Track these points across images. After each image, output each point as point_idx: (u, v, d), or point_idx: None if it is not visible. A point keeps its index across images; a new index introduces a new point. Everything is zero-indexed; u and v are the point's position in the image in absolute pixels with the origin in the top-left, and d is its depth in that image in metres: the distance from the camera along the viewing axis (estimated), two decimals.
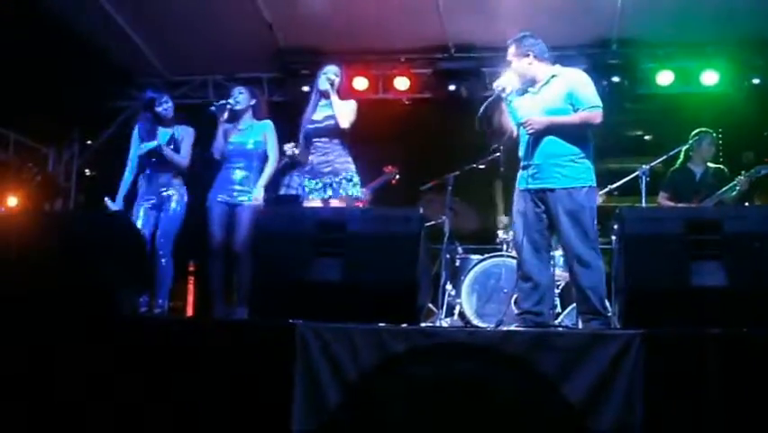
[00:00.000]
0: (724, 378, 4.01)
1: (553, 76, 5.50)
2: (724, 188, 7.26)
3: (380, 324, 4.44)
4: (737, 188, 7.20)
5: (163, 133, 6.74)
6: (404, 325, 4.52)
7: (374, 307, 4.59)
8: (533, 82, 5.54)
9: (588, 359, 4.09)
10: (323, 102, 6.32)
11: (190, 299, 8.99)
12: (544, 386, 4.08)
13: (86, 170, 9.94)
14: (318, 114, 6.31)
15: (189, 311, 8.83)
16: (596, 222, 5.35)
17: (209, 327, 4.65)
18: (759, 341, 4.06)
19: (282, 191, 7.20)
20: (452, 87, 9.05)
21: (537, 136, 5.37)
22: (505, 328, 4.95)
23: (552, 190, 5.31)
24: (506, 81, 5.53)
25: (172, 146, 6.69)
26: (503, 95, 5.53)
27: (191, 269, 8.89)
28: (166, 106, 6.78)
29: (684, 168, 7.62)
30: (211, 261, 6.49)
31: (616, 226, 4.95)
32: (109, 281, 4.75)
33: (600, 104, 5.36)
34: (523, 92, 5.59)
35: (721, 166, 7.63)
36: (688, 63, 8.75)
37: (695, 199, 7.34)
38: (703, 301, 4.36)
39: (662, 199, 7.61)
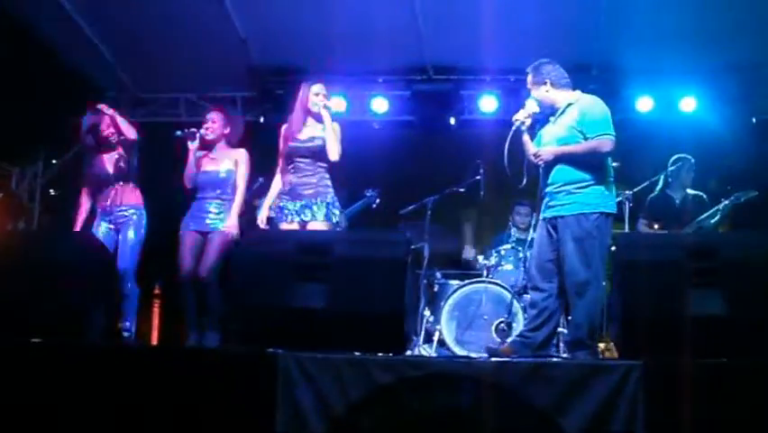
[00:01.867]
0: (725, 408, 3.94)
1: (569, 104, 5.46)
2: (705, 215, 7.23)
3: (366, 353, 4.30)
4: (719, 214, 7.15)
5: (110, 156, 6.55)
6: (390, 354, 4.38)
7: (359, 335, 4.44)
8: (553, 110, 5.49)
9: (585, 391, 4.01)
10: (308, 121, 6.11)
11: (155, 322, 8.79)
12: (540, 418, 3.96)
13: (51, 190, 9.66)
14: (303, 133, 6.05)
15: (155, 335, 8.64)
16: (605, 250, 5.27)
17: (189, 355, 4.44)
18: (759, 370, 3.99)
19: (259, 212, 6.97)
20: (430, 110, 8.95)
21: (549, 166, 5.36)
22: (497, 359, 4.78)
23: (562, 217, 5.29)
24: (523, 114, 5.47)
25: (122, 164, 6.49)
26: (522, 128, 5.47)
27: (156, 292, 8.67)
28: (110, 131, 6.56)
29: (663, 194, 7.57)
30: (182, 289, 6.27)
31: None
32: (78, 304, 4.54)
33: (610, 131, 5.33)
34: (546, 121, 5.53)
35: (700, 192, 7.58)
36: (667, 89, 8.72)
37: (675, 226, 7.25)
38: (701, 330, 4.24)
39: (642, 226, 7.53)
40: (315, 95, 6.08)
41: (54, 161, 9.53)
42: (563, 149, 5.33)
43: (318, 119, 6.06)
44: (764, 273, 4.29)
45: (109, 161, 6.53)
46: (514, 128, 5.47)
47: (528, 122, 5.50)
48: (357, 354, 4.30)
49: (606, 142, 5.29)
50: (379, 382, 4.08)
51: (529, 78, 5.56)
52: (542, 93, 5.51)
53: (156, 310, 8.77)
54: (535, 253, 5.45)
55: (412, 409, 4.04)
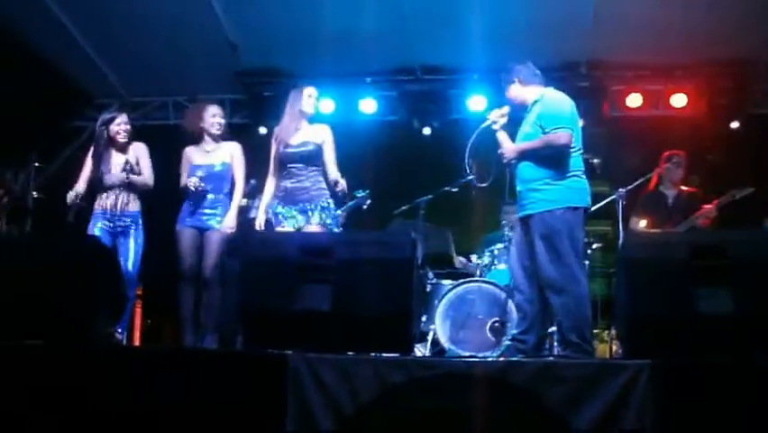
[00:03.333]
0: (734, 407, 3.91)
1: (535, 101, 5.48)
2: (698, 213, 7.21)
3: (373, 354, 4.27)
4: (713, 211, 7.16)
5: (118, 158, 6.45)
6: (397, 354, 4.35)
7: (366, 336, 4.41)
8: (525, 108, 5.53)
9: (596, 390, 3.96)
10: (301, 126, 6.08)
11: (137, 322, 8.75)
12: (551, 418, 3.93)
13: (34, 193, 9.57)
14: (295, 138, 6.03)
15: (137, 336, 8.62)
16: (578, 244, 5.28)
17: (197, 357, 4.40)
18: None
19: (252, 214, 6.94)
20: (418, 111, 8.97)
21: (515, 164, 5.39)
22: (508, 359, 4.78)
23: (531, 216, 5.31)
24: (497, 113, 5.52)
25: (129, 169, 6.38)
26: (494, 126, 5.51)
27: (138, 293, 8.60)
28: (124, 128, 6.47)
29: (657, 192, 7.55)
30: (181, 287, 6.23)
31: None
32: (83, 308, 4.49)
33: (566, 124, 5.30)
34: (520, 120, 5.55)
35: (693, 189, 7.56)
36: (657, 86, 8.76)
37: (669, 223, 7.24)
38: (709, 329, 4.23)
39: (635, 224, 7.50)
40: (308, 96, 6.10)
41: (38, 164, 9.43)
42: (523, 146, 5.39)
43: (311, 121, 6.06)
44: None
45: (116, 163, 6.43)
46: (482, 126, 5.54)
47: (502, 121, 5.54)
48: (366, 354, 4.27)
49: (562, 135, 5.26)
50: (390, 381, 4.04)
51: (503, 78, 5.62)
52: (512, 92, 5.57)
53: (138, 311, 8.70)
54: (515, 255, 5.46)
55: (422, 409, 4.00)
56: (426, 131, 9.05)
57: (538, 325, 5.35)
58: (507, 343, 5.25)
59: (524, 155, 5.35)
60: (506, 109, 5.58)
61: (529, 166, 5.34)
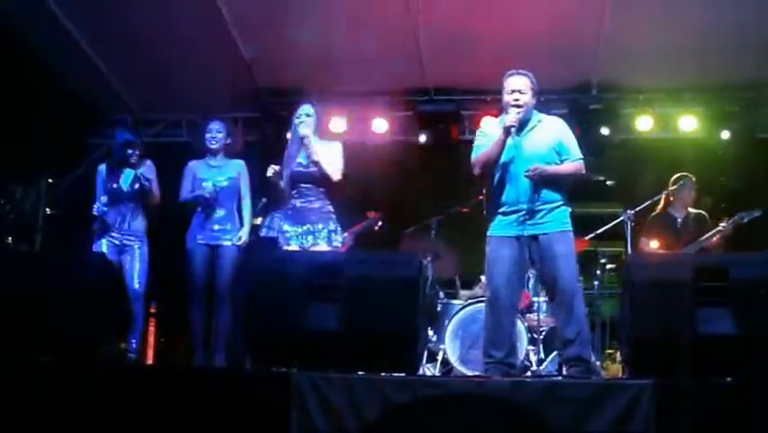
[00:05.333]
0: (737, 427, 3.96)
1: (539, 121, 5.46)
2: (707, 234, 7.22)
3: (379, 373, 4.29)
4: (721, 234, 7.18)
5: (127, 174, 6.53)
6: (402, 373, 4.38)
7: (372, 355, 4.46)
8: (521, 123, 5.39)
9: (600, 409, 4.01)
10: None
11: (151, 340, 8.76)
12: None
13: (47, 210, 9.66)
14: (304, 157, 6.00)
15: (150, 354, 8.62)
16: None
17: (204, 376, 4.44)
18: None
19: (263, 232, 6.99)
20: (430, 131, 9.02)
21: (531, 183, 5.29)
22: (513, 379, 4.79)
23: (545, 234, 5.27)
24: (515, 119, 5.32)
25: (137, 185, 6.47)
26: (512, 131, 5.33)
27: (152, 311, 8.66)
28: (136, 152, 6.57)
29: (666, 213, 7.56)
30: (194, 305, 6.28)
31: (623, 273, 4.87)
32: (89, 326, 4.54)
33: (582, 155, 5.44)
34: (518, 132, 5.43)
35: (702, 211, 7.56)
36: (667, 109, 8.78)
37: (677, 245, 7.26)
38: (711, 349, 4.26)
39: (645, 246, 7.51)
40: (296, 118, 6.10)
41: (50, 181, 9.53)
42: (555, 168, 5.35)
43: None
44: None
45: (125, 179, 6.52)
46: (504, 132, 5.31)
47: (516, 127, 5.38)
48: (371, 373, 4.30)
49: (583, 166, 5.42)
50: (394, 401, 4.08)
51: (528, 83, 5.41)
52: (530, 100, 5.40)
53: (152, 329, 8.73)
54: (507, 274, 5.26)
55: (427, 428, 4.04)
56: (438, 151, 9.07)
57: (515, 341, 5.44)
58: (491, 367, 5.17)
59: (549, 176, 5.31)
60: (520, 114, 5.37)
61: (549, 187, 5.32)
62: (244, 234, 6.35)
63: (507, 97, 5.38)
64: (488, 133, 5.51)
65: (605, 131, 8.70)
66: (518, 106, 5.31)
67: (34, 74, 8.04)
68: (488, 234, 5.43)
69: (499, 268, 5.28)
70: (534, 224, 5.28)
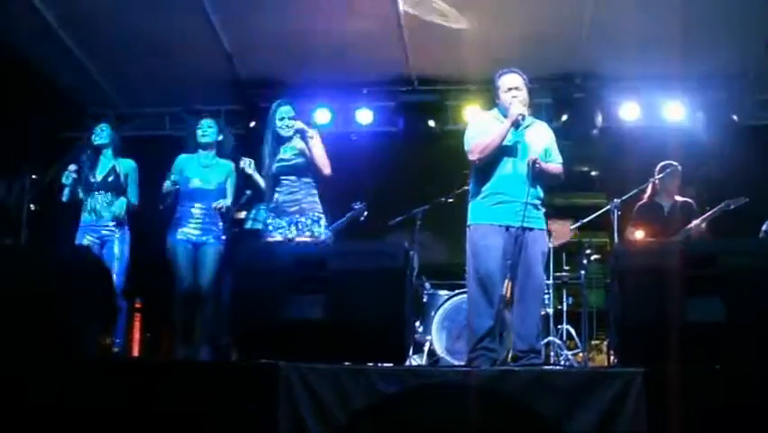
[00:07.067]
0: (726, 414, 3.92)
1: (533, 120, 5.59)
2: (694, 223, 7.21)
3: (367, 364, 4.26)
4: (707, 221, 7.17)
5: (104, 164, 6.51)
6: (390, 364, 4.35)
7: (359, 346, 4.41)
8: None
9: (589, 398, 3.98)
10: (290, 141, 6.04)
11: (136, 336, 8.73)
12: (546, 426, 3.93)
13: (31, 205, 9.55)
14: (286, 152, 6.00)
15: (135, 349, 8.57)
16: None
17: (190, 369, 4.39)
18: (760, 377, 3.97)
19: (248, 225, 6.95)
20: (414, 120, 8.97)
21: (528, 176, 5.33)
22: (501, 368, 4.76)
23: (531, 229, 5.33)
24: (524, 108, 5.41)
25: (112, 177, 6.46)
26: (521, 121, 5.40)
27: (137, 306, 8.60)
28: (103, 137, 6.56)
29: (653, 202, 7.54)
30: (178, 301, 6.23)
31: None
32: (76, 320, 4.47)
33: None
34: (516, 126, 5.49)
35: (689, 200, 7.55)
36: (652, 97, 8.77)
37: (665, 233, 7.24)
38: (701, 337, 4.24)
39: (631, 235, 7.49)
40: (279, 120, 6.07)
41: (34, 177, 9.43)
42: (550, 166, 5.48)
43: (289, 140, 6.01)
44: (763, 280, 4.28)
45: (102, 170, 6.50)
46: (516, 120, 5.35)
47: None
48: (359, 364, 4.26)
49: (563, 172, 5.58)
50: (382, 392, 4.04)
51: (520, 80, 5.52)
52: (525, 98, 5.50)
53: (137, 324, 8.69)
54: (498, 256, 5.28)
55: (415, 419, 3.99)
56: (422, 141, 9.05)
57: (503, 331, 5.66)
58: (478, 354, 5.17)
59: (543, 171, 5.39)
60: (526, 106, 5.48)
61: (539, 184, 5.45)
62: (223, 203, 6.27)
63: (504, 95, 5.48)
64: (484, 123, 5.58)
65: (589, 120, 8.66)
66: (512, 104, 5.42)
67: (14, 68, 7.94)
68: (472, 221, 5.43)
69: (493, 254, 5.30)
70: (527, 217, 5.29)
